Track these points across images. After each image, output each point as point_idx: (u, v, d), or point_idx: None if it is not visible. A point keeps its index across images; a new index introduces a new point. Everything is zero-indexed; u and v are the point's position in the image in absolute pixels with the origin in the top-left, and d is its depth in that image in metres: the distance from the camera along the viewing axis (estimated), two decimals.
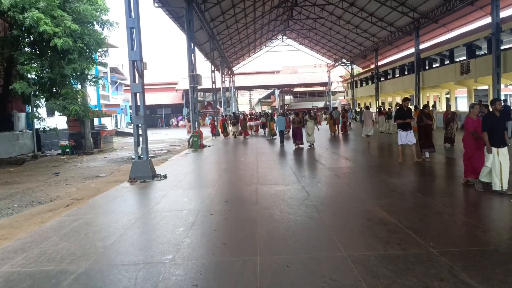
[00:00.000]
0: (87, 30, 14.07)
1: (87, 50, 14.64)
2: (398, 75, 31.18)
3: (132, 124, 9.55)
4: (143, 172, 9.11)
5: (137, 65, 9.14)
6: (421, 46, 25.50)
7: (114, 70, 43.07)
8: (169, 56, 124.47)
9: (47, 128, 16.55)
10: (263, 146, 16.85)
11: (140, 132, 9.50)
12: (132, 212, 6.04)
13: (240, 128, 24.02)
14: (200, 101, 55.36)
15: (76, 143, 19.15)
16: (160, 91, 57.27)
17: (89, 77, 15.77)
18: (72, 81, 15.78)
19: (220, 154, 15.01)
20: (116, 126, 40.89)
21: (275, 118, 20.03)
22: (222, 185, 7.99)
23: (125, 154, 17.10)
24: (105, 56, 17.25)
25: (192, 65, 17.63)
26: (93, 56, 15.50)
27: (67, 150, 18.68)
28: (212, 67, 27.81)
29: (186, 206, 6.29)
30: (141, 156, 9.32)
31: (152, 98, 54.58)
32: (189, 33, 17.57)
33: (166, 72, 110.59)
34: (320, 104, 55.14)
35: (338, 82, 54.65)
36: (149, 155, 15.91)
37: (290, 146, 15.93)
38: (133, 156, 9.66)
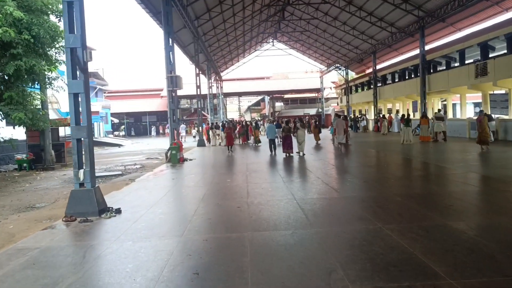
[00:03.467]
0: (36, 20, 11.29)
1: (38, 44, 11.86)
2: (398, 80, 28.96)
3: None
4: (86, 206, 6.38)
5: (78, 54, 6.46)
6: (426, 48, 23.31)
7: (93, 75, 40.09)
8: (154, 61, 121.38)
9: (1, 139, 13.74)
10: (253, 160, 14.28)
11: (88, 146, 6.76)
12: None
13: (238, 136, 23.12)
14: (187, 109, 52.57)
15: (36, 156, 16.33)
16: (145, 98, 54.69)
17: (41, 77, 12.87)
18: (24, 83, 12.94)
19: (202, 171, 12.31)
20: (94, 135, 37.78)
21: (266, 125, 19.08)
22: (195, 231, 5.30)
23: None
24: (63, 53, 14.42)
25: (170, 65, 15.02)
26: (48, 52, 12.69)
27: (25, 165, 15.87)
28: (197, 70, 25.13)
29: (125, 284, 3.62)
30: (84, 183, 6.59)
31: (136, 105, 52.33)
32: (166, 27, 14.96)
33: (151, 79, 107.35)
34: (312, 111, 52.85)
35: (331, 88, 52.46)
36: (117, 172, 13.17)
37: (281, 157, 14.26)
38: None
